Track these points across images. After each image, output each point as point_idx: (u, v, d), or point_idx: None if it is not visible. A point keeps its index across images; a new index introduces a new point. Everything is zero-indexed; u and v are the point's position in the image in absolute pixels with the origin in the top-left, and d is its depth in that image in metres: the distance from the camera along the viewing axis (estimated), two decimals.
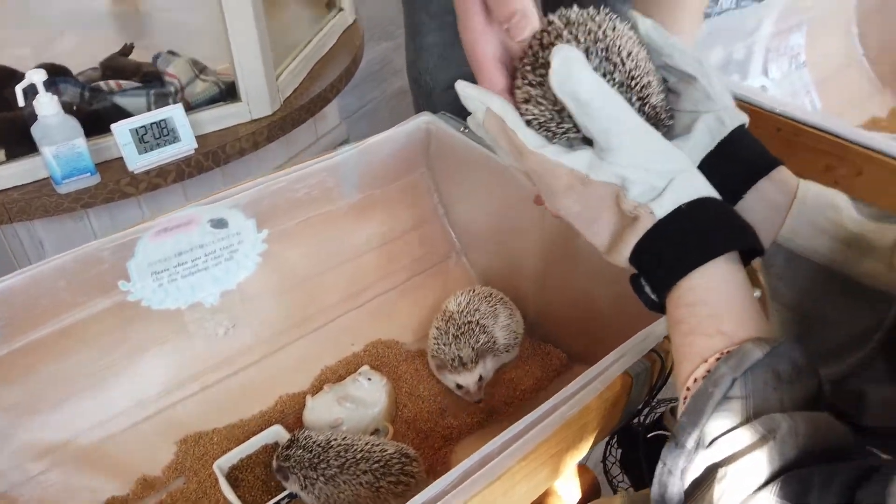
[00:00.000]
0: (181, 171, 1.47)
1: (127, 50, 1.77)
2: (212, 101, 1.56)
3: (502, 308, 0.95)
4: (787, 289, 0.52)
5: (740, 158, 0.51)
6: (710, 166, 0.49)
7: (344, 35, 2.01)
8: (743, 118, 0.52)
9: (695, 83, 0.50)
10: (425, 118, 1.01)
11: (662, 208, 0.43)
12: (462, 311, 0.92)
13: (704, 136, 0.50)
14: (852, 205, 0.51)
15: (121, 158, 1.40)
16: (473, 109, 0.49)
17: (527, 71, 0.47)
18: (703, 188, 0.44)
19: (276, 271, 0.96)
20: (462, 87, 0.49)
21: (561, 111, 0.46)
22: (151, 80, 1.61)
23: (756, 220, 0.49)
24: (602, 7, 0.49)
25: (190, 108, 1.51)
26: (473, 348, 0.88)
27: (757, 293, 0.67)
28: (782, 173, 0.52)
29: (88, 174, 1.35)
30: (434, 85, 1.20)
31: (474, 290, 0.96)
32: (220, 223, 0.90)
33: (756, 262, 0.53)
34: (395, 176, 1.04)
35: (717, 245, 0.43)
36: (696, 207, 0.43)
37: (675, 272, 0.43)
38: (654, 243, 0.43)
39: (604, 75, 0.46)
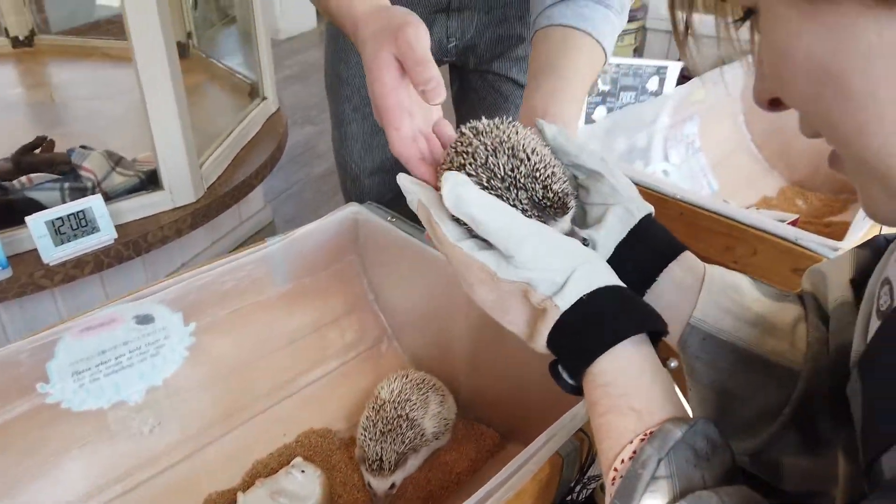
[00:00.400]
0: (100, 262, 1.43)
1: (39, 142, 1.73)
2: (132, 190, 1.55)
3: (434, 395, 0.96)
4: (703, 368, 0.55)
5: (650, 245, 0.55)
6: (623, 254, 0.54)
7: (268, 122, 2.05)
8: (649, 208, 0.56)
9: (602, 179, 0.55)
10: (353, 208, 1.04)
11: (565, 301, 0.46)
12: (394, 399, 0.93)
13: (616, 226, 0.54)
14: (754, 285, 0.55)
15: (34, 250, 1.36)
16: (409, 200, 0.54)
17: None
18: (603, 278, 0.47)
19: (205, 364, 0.95)
20: (401, 179, 0.53)
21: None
22: (65, 173, 1.59)
23: (670, 301, 0.54)
24: (505, 118, 0.55)
25: (109, 198, 1.49)
26: (398, 451, 0.88)
27: (673, 363, 0.71)
28: (689, 257, 0.56)
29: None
30: (359, 171, 1.28)
31: (407, 376, 0.97)
32: (145, 319, 0.89)
33: (674, 344, 0.57)
34: (325, 264, 1.06)
35: (618, 330, 0.45)
36: (597, 297, 0.46)
37: (583, 358, 0.46)
38: (562, 333, 0.46)
39: (511, 170, 0.51)
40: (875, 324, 0.39)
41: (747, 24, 0.39)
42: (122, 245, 1.46)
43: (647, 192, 1.03)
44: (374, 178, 1.29)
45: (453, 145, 0.54)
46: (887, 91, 0.30)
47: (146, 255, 1.57)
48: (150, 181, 1.58)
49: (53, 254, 1.36)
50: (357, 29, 0.65)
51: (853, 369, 0.39)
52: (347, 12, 0.68)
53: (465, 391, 1.04)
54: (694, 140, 1.55)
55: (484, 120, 0.54)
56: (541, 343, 0.48)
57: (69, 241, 1.38)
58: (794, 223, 1.42)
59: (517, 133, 0.53)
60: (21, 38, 2.49)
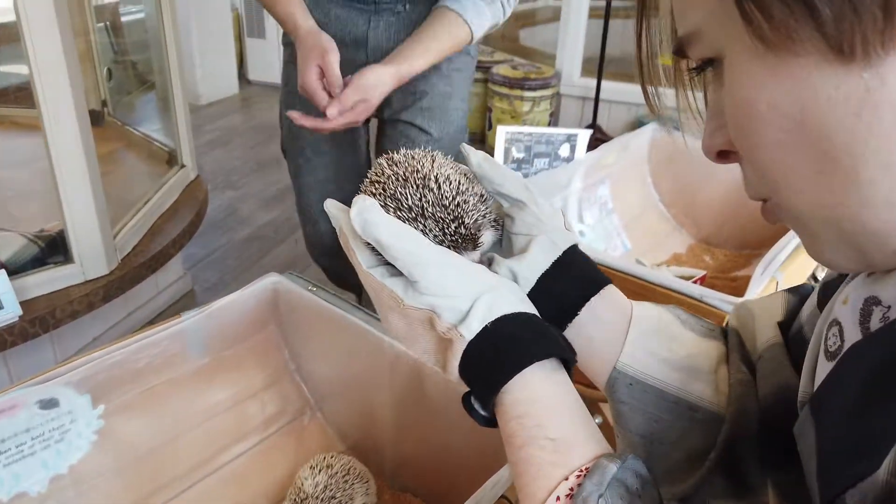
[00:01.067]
0: (3, 341, 1.35)
1: None
2: (35, 260, 1.48)
3: (359, 486, 0.93)
4: (630, 413, 0.55)
5: (572, 278, 0.53)
6: (545, 286, 0.52)
7: (187, 190, 2.01)
8: (574, 239, 0.54)
9: (525, 208, 0.53)
10: (272, 279, 1.03)
11: (469, 330, 0.45)
12: (318, 496, 0.90)
13: (538, 256, 0.53)
14: (681, 322, 0.55)
15: None
16: (335, 226, 0.53)
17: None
18: (510, 305, 0.46)
19: (114, 448, 0.90)
20: (328, 204, 0.54)
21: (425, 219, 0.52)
22: None
23: (592, 336, 0.53)
24: (424, 147, 0.56)
25: (12, 273, 1.42)
26: None
27: (598, 419, 0.72)
28: (612, 292, 0.54)
29: None
30: (317, 217, 1.44)
31: (331, 468, 0.94)
32: (49, 403, 0.84)
33: (600, 387, 0.56)
34: (244, 336, 1.04)
35: (524, 357, 0.44)
36: (502, 324, 0.45)
37: (491, 388, 0.45)
38: (470, 363, 0.45)
39: (419, 200, 0.50)
40: (825, 364, 0.40)
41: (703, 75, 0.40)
42: (27, 322, 1.38)
43: None
44: (329, 224, 1.36)
45: (368, 175, 0.54)
46: (843, 139, 0.32)
47: (54, 332, 1.49)
48: (55, 251, 1.52)
49: None
50: (297, 38, 1.15)
51: (802, 409, 0.40)
52: (293, 26, 1.15)
53: (390, 460, 1.03)
54: (607, 202, 1.62)
55: (402, 150, 0.54)
56: (453, 373, 0.47)
57: None
58: (702, 279, 1.50)
59: (433, 163, 0.52)
60: None
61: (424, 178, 0.51)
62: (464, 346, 0.45)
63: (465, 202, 0.51)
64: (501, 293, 0.47)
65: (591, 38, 3.26)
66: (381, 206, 0.50)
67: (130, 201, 1.79)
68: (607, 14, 3.07)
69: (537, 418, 0.44)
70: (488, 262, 0.53)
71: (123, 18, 3.14)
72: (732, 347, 0.54)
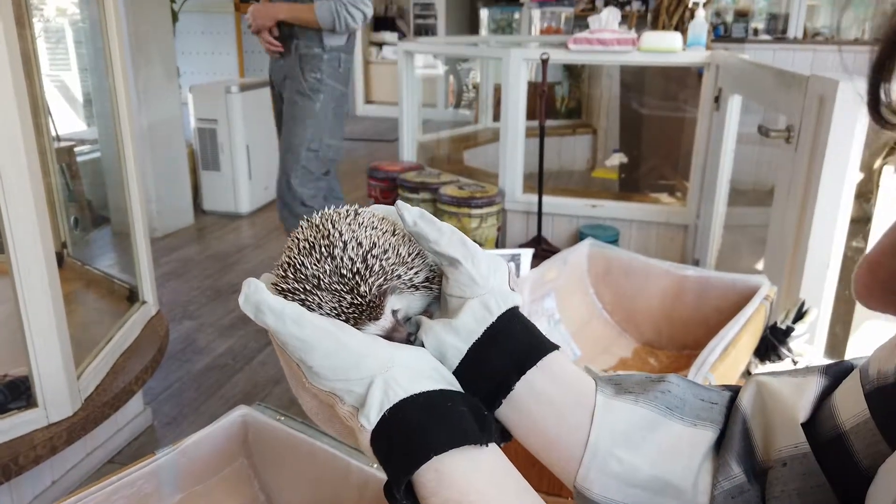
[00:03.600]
0: None
1: None
2: None
3: None
4: None
5: (506, 347, 0.47)
6: (478, 355, 0.47)
7: (148, 325, 2.05)
8: (514, 300, 0.49)
9: (460, 266, 0.48)
10: (241, 412, 1.08)
11: (369, 420, 0.42)
12: None
13: (469, 323, 0.47)
14: (667, 409, 0.48)
15: None
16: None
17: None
18: (409, 382, 0.43)
19: None
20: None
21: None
22: None
23: (535, 416, 0.48)
24: (352, 206, 0.52)
25: None
26: None
27: None
28: (555, 361, 0.48)
29: None
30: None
31: None
32: None
33: (567, 483, 0.50)
34: (216, 469, 1.07)
35: (426, 449, 0.41)
36: (401, 411, 0.42)
37: (400, 481, 0.41)
38: (379, 452, 0.42)
39: (318, 270, 0.47)
40: None
41: None
42: None
43: None
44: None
45: (293, 232, 0.51)
46: None
47: (14, 481, 1.47)
48: (18, 396, 1.53)
49: None
50: None
51: None
52: None
53: None
54: (553, 313, 1.73)
55: (328, 210, 0.51)
56: (371, 459, 0.44)
57: None
58: None
59: (348, 224, 0.49)
60: None
61: (330, 244, 0.47)
62: (368, 438, 0.42)
63: (368, 269, 0.47)
64: (399, 371, 0.43)
65: (529, 154, 3.50)
66: (282, 276, 0.48)
67: (92, 342, 1.82)
68: (542, 133, 3.32)
69: None
70: (416, 327, 0.50)
71: (79, 159, 3.27)
72: (731, 438, 0.47)
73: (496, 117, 4.82)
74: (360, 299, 0.47)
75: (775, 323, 1.58)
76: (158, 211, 4.04)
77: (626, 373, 0.56)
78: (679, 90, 3.98)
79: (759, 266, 2.62)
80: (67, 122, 4.36)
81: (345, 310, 0.47)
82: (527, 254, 1.59)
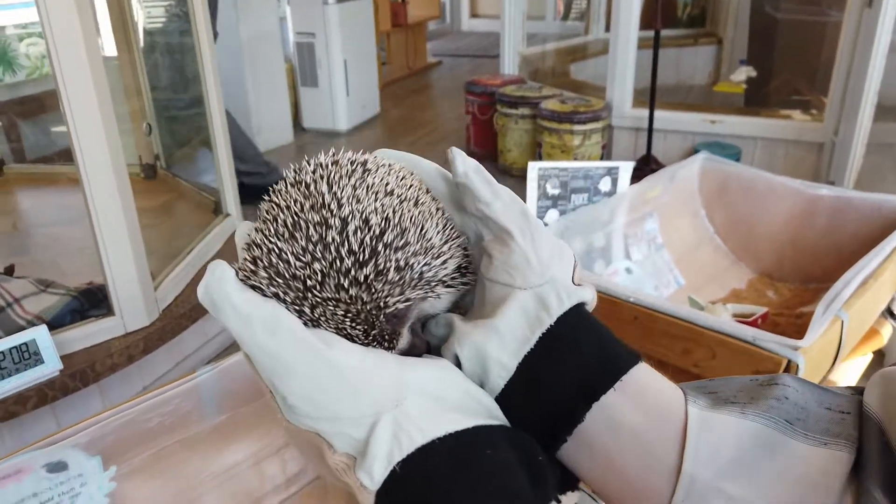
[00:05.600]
0: (43, 396, 1.36)
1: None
2: (74, 312, 1.49)
3: None
4: None
5: (571, 363, 0.35)
6: (531, 376, 0.34)
7: (231, 239, 2.03)
8: (581, 296, 0.36)
9: (511, 242, 0.35)
10: None
11: (372, 479, 0.30)
12: None
13: (518, 327, 0.35)
14: (788, 424, 0.34)
15: None
16: None
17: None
18: (429, 423, 0.31)
19: None
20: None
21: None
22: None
23: (608, 451, 0.35)
24: (360, 153, 0.37)
25: (53, 327, 1.43)
26: None
27: None
28: (637, 380, 0.35)
29: None
30: None
31: None
32: (57, 467, 0.81)
33: None
34: (263, 391, 1.00)
35: None
36: (418, 464, 0.30)
37: None
38: None
39: (304, 267, 0.32)
40: None
41: None
42: (67, 376, 1.39)
43: (597, 296, 0.98)
44: None
45: (270, 195, 0.35)
46: None
47: (104, 381, 1.50)
48: (97, 305, 1.53)
49: None
50: None
51: None
52: None
53: None
54: (655, 236, 1.53)
55: (329, 158, 0.35)
56: None
57: (10, 375, 1.32)
58: (764, 316, 1.38)
59: (353, 187, 0.33)
60: None
61: (323, 222, 0.32)
62: (371, 501, 0.30)
63: (379, 273, 0.32)
64: (415, 404, 0.31)
65: (642, 69, 3.18)
66: (249, 264, 0.33)
67: (174, 251, 1.81)
68: (657, 37, 2.99)
69: None
70: (444, 328, 0.37)
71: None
72: (869, 457, 0.32)
73: (609, 27, 4.44)
74: (364, 325, 0.33)
75: None
76: (258, 127, 4.05)
77: (721, 378, 0.40)
78: None
79: None
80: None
81: (341, 324, 0.33)
82: (626, 166, 1.38)
